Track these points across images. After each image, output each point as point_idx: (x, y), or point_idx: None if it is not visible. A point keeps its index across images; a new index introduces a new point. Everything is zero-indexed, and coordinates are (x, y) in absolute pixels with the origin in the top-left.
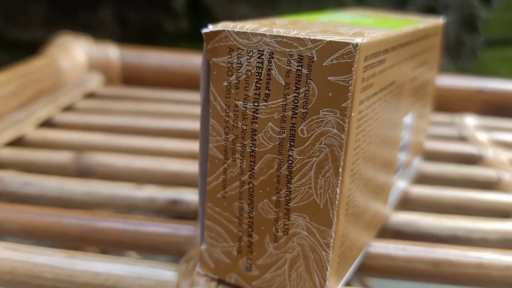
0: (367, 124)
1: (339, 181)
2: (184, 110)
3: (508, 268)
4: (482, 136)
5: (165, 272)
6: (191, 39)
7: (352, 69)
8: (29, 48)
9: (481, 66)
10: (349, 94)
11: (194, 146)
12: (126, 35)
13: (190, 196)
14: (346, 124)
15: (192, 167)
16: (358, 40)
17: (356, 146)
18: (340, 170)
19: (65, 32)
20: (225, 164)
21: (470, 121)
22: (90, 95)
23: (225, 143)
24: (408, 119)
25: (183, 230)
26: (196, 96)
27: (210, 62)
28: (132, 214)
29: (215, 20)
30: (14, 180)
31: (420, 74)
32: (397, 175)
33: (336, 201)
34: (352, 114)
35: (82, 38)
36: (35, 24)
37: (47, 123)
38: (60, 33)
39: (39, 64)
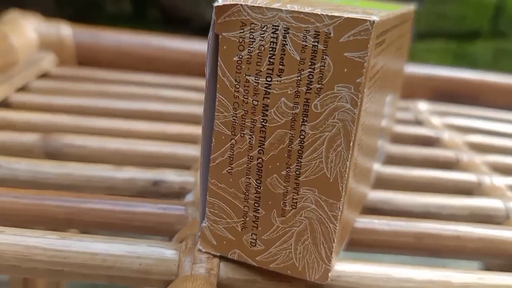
0: (371, 102)
1: (349, 155)
2: (148, 92)
3: (480, 240)
4: (436, 121)
5: (165, 251)
6: (133, 22)
7: (368, 45)
8: None
9: (411, 56)
10: (364, 70)
11: (166, 128)
12: (61, 14)
13: (171, 176)
14: (359, 99)
15: (169, 148)
16: (374, 17)
17: (362, 123)
18: (351, 144)
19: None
20: (233, 140)
21: (423, 106)
22: (44, 75)
23: (234, 119)
24: (388, 103)
25: (173, 209)
26: (158, 78)
27: (220, 36)
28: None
29: (159, 3)
30: None
31: (397, 58)
32: (377, 156)
33: (346, 175)
34: (364, 90)
35: (30, 15)
36: None
37: (3, 104)
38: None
39: None
